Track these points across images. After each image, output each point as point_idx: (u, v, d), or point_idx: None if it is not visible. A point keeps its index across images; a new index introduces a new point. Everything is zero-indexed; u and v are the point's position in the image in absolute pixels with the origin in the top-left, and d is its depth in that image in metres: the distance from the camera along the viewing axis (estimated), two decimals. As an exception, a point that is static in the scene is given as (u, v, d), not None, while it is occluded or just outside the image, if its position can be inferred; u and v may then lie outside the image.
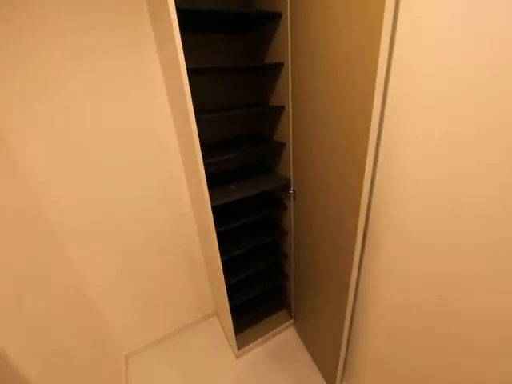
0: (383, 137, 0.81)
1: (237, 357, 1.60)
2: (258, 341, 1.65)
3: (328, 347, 1.31)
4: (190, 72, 0.87)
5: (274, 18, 1.04)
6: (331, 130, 0.90)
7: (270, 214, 1.38)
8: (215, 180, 1.34)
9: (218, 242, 1.16)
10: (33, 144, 1.04)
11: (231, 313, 1.40)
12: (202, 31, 1.17)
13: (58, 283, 1.09)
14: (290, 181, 1.27)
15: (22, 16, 0.89)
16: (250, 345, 1.63)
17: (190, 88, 0.85)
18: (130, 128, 1.20)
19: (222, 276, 1.25)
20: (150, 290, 1.58)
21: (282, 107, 1.17)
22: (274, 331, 1.70)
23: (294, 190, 1.27)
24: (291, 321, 1.76)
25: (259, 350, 1.64)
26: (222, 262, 1.23)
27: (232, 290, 1.51)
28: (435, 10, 0.60)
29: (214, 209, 1.09)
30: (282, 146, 1.25)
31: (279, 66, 1.10)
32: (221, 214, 1.30)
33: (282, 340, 1.69)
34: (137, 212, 1.36)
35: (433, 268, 0.77)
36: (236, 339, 1.54)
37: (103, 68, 1.06)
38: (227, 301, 1.34)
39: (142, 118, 1.21)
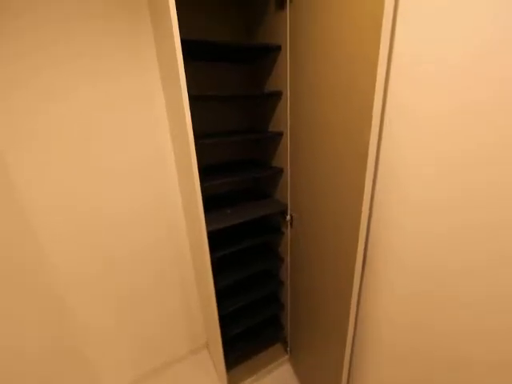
0: (380, 165, 0.81)
1: (227, 397, 1.46)
2: (251, 379, 1.52)
3: (326, 389, 1.21)
4: (191, 98, 0.89)
5: (274, 50, 1.09)
6: (329, 156, 0.90)
7: (265, 240, 1.34)
8: (210, 203, 1.32)
9: (212, 268, 1.11)
10: (30, 164, 1.03)
11: (223, 345, 1.30)
12: (205, 60, 1.22)
13: (35, 306, 1.01)
14: (287, 206, 1.25)
15: (27, 37, 0.92)
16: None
17: (191, 113, 0.86)
18: (128, 149, 1.19)
19: (215, 306, 1.18)
20: (136, 318, 1.47)
21: (281, 134, 1.18)
22: (269, 367, 1.58)
23: (291, 216, 1.24)
24: (287, 356, 1.64)
25: (252, 390, 1.50)
26: (216, 291, 1.16)
27: (225, 320, 1.42)
28: (431, 49, 0.63)
29: (208, 234, 1.05)
30: (279, 171, 1.25)
31: (278, 94, 1.13)
32: (215, 239, 1.26)
33: (276, 378, 1.56)
34: (128, 233, 1.31)
35: (433, 294, 0.74)
36: (227, 377, 1.42)
37: (106, 91, 1.09)
38: (219, 333, 1.25)
39: (141, 139, 1.21)
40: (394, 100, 0.74)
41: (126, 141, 1.18)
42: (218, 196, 1.44)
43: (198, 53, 1.07)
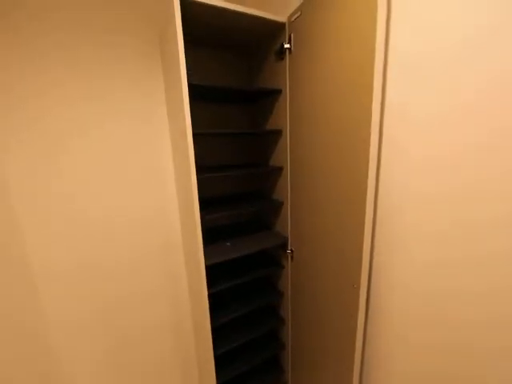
0: (379, 200, 0.85)
1: None
2: (249, 430, 1.39)
3: None
4: (196, 135, 0.94)
5: (275, 93, 1.17)
6: (330, 190, 0.92)
7: (265, 274, 1.32)
8: (210, 235, 1.31)
9: (209, 304, 1.07)
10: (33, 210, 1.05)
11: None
12: (210, 100, 1.30)
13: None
14: (287, 240, 1.25)
15: (38, 80, 0.99)
16: None
17: (194, 147, 0.90)
18: (132, 180, 1.23)
19: (211, 345, 1.12)
20: (128, 362, 1.37)
21: (281, 168, 1.22)
22: (268, 417, 1.44)
23: (291, 250, 1.23)
24: (288, 403, 1.51)
25: None
26: (212, 328, 1.11)
27: (221, 361, 1.34)
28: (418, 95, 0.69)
29: (207, 267, 1.04)
30: (279, 204, 1.27)
31: (278, 132, 1.20)
32: (213, 272, 1.23)
33: (276, 430, 1.42)
34: (126, 266, 1.28)
35: (436, 319, 0.72)
36: (222, 428, 1.29)
37: (117, 130, 1.15)
38: (214, 377, 1.16)
39: (145, 171, 1.25)
40: (389, 138, 0.80)
41: (128, 175, 1.22)
42: (218, 228, 1.44)
43: (204, 95, 1.15)
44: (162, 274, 1.38)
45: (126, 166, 1.20)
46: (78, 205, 1.12)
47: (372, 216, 0.81)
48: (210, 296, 1.07)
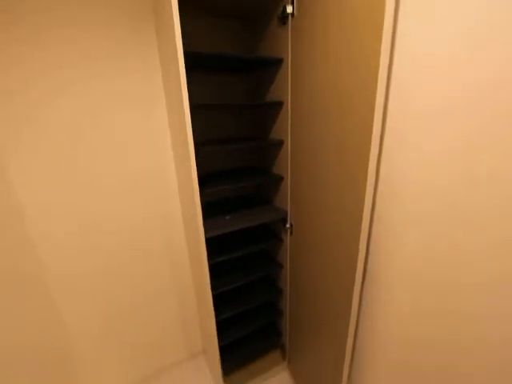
0: (381, 176, 0.85)
1: (224, 405, 1.45)
2: (249, 386, 1.52)
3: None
4: (193, 107, 0.91)
5: (276, 63, 1.12)
6: (331, 165, 0.91)
7: (264, 247, 1.35)
8: (210, 208, 1.33)
9: (210, 274, 1.11)
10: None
11: (220, 352, 1.30)
12: (209, 70, 1.25)
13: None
14: (287, 214, 1.27)
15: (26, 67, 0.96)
16: (239, 391, 1.49)
17: (193, 120, 0.87)
18: (129, 158, 1.23)
19: (213, 312, 1.18)
20: (131, 324, 1.47)
21: (281, 142, 1.20)
22: (266, 375, 1.57)
23: (291, 224, 1.25)
24: (285, 363, 1.63)
25: (249, 398, 1.49)
26: (213, 297, 1.17)
27: (222, 327, 1.42)
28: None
29: (207, 240, 1.06)
30: (280, 179, 1.27)
31: (279, 104, 1.16)
32: (213, 245, 1.27)
33: (274, 385, 1.55)
34: (126, 241, 1.32)
35: (434, 306, 0.75)
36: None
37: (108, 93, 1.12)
38: (216, 340, 1.25)
39: (142, 146, 1.24)
40: (397, 84, 0.76)
41: (126, 148, 1.21)
42: (218, 202, 1.46)
43: (202, 64, 1.10)
44: (162, 239, 1.43)
45: (121, 140, 1.19)
46: (79, 169, 1.15)
47: (373, 190, 0.80)
48: (210, 267, 1.11)
